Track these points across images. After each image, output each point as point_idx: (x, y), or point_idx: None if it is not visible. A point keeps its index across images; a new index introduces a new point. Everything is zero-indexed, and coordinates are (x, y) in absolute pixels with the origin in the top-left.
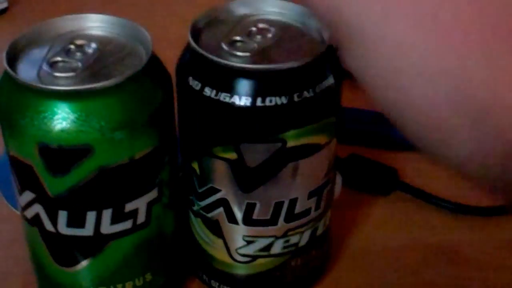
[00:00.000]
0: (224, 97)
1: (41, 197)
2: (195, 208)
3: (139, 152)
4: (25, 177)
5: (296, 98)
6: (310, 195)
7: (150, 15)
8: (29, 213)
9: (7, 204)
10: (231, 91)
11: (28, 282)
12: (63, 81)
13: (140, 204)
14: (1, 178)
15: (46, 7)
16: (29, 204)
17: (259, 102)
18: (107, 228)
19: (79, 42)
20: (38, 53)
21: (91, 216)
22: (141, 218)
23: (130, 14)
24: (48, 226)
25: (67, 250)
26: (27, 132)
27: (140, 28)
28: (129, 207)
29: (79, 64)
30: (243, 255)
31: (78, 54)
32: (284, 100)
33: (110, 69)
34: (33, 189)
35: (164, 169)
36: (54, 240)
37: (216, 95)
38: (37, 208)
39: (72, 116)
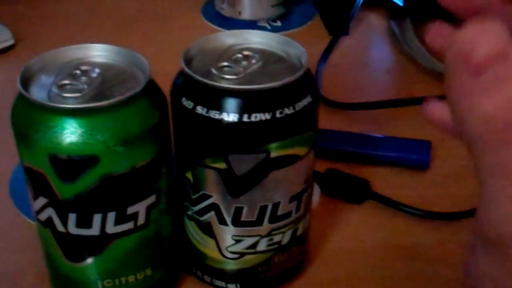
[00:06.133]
0: (214, 114)
1: (53, 202)
2: (189, 212)
3: (138, 163)
4: (39, 185)
5: (278, 114)
6: (291, 199)
7: (146, 45)
8: (43, 216)
9: (20, 214)
10: (221, 109)
11: (40, 279)
12: (70, 100)
13: (140, 208)
14: (14, 193)
15: (50, 44)
16: (43, 208)
17: (245, 118)
18: (111, 228)
19: (84, 68)
20: (48, 77)
21: (97, 218)
22: (141, 220)
23: (128, 43)
24: (59, 227)
25: (76, 248)
26: (39, 145)
27: (138, 55)
28: (130, 210)
29: (85, 86)
30: (233, 253)
31: (83, 78)
32: (267, 116)
33: (112, 90)
34: (45, 195)
35: (162, 178)
36: (64, 239)
37: (207, 112)
38: (50, 212)
39: (79, 131)
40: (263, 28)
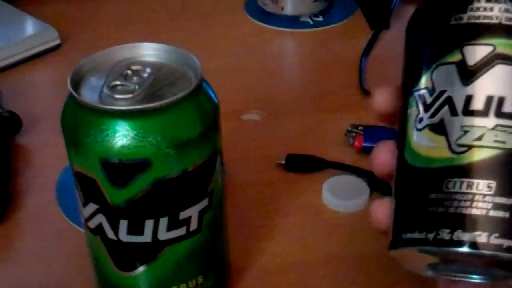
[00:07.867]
0: None
1: (103, 208)
2: (420, 126)
3: (191, 166)
4: (89, 190)
5: None
6: None
7: (190, 42)
8: (93, 223)
9: (67, 220)
10: None
11: None
12: (122, 102)
13: (192, 212)
14: (61, 198)
15: (96, 43)
16: (93, 215)
17: None
18: (163, 234)
19: (135, 68)
20: (98, 78)
21: (149, 224)
22: (193, 225)
23: (172, 42)
24: (110, 234)
25: (127, 256)
26: (91, 149)
27: (189, 54)
28: (183, 215)
29: (136, 87)
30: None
31: (135, 78)
32: None
33: (163, 91)
34: (96, 201)
35: (214, 181)
36: (115, 247)
37: None
38: (100, 218)
39: (131, 133)
40: (305, 24)
